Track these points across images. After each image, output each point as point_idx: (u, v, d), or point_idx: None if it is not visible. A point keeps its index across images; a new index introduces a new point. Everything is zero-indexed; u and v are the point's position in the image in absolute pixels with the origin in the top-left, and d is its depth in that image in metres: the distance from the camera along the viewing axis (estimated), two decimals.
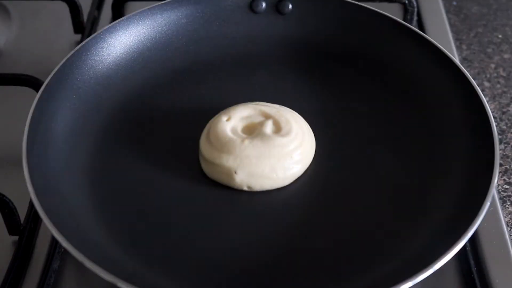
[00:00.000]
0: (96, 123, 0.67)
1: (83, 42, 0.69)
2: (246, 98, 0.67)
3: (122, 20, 0.72)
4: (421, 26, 0.83)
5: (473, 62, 0.82)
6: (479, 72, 0.80)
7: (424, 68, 0.69)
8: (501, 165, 0.69)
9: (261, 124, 0.64)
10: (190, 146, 0.65)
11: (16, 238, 0.60)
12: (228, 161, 0.61)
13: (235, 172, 0.61)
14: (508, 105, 0.76)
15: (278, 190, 0.62)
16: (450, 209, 0.58)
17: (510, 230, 0.63)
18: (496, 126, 0.61)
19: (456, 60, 0.67)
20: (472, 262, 0.59)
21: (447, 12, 0.88)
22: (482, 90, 0.76)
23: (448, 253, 0.52)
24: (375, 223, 0.59)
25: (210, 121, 0.66)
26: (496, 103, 0.76)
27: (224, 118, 0.64)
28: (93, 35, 0.70)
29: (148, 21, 0.73)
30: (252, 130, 0.64)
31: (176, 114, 0.69)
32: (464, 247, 0.60)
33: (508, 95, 0.77)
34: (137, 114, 0.69)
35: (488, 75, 0.80)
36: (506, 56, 0.82)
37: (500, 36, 0.85)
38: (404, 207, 0.60)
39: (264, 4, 0.76)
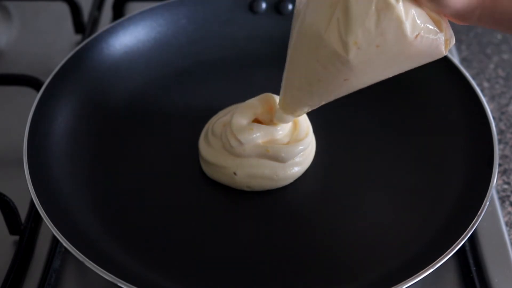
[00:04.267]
0: (96, 123, 0.67)
1: (84, 43, 0.69)
2: (246, 98, 0.67)
3: (123, 21, 0.72)
4: None
5: (472, 62, 0.82)
6: (478, 73, 0.80)
7: (423, 69, 0.69)
8: (500, 165, 0.69)
9: None
10: (190, 146, 0.65)
11: (17, 237, 0.61)
12: (227, 162, 0.61)
13: (235, 173, 0.61)
14: (507, 105, 0.76)
15: (278, 190, 0.62)
16: (449, 209, 0.58)
17: (509, 230, 0.63)
18: (495, 126, 0.61)
19: (456, 61, 0.67)
20: (471, 261, 0.59)
21: None
22: (482, 91, 0.76)
23: (448, 252, 0.52)
24: (375, 223, 0.60)
25: (209, 121, 0.66)
26: (495, 103, 0.77)
27: (223, 118, 0.64)
28: (93, 36, 0.70)
29: (148, 22, 0.73)
30: None
31: (176, 114, 0.69)
32: (463, 246, 0.60)
33: (507, 95, 0.78)
34: (137, 114, 0.69)
35: (487, 76, 0.80)
36: (505, 56, 0.83)
37: (499, 36, 0.86)
38: (403, 207, 0.60)
39: (264, 4, 0.76)
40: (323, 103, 0.56)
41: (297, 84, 0.55)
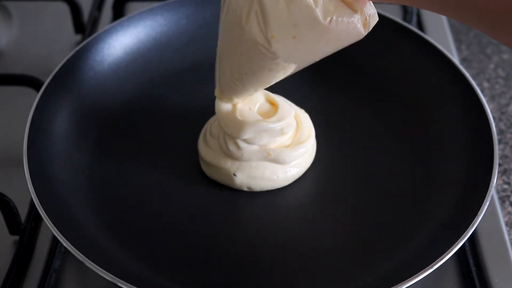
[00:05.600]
0: (96, 123, 0.67)
1: (84, 43, 0.69)
2: None
3: (123, 21, 0.72)
4: (420, 26, 0.83)
5: (472, 62, 0.82)
6: (478, 73, 0.80)
7: (424, 69, 0.69)
8: (500, 165, 0.69)
9: None
10: (190, 146, 0.65)
11: (17, 237, 0.61)
12: (227, 164, 0.61)
13: (234, 174, 0.61)
14: (507, 105, 0.76)
15: (278, 190, 0.62)
16: (449, 209, 0.58)
17: (509, 230, 0.63)
18: (495, 126, 0.61)
19: (456, 61, 0.67)
20: (471, 261, 0.59)
21: None
22: (481, 91, 0.76)
23: (448, 252, 0.52)
24: (375, 223, 0.60)
25: (208, 122, 0.66)
26: (495, 103, 0.77)
27: None
28: (93, 36, 0.70)
29: (148, 22, 0.73)
30: None
31: (176, 114, 0.69)
32: (463, 246, 0.60)
33: (507, 95, 0.78)
34: (137, 114, 0.69)
35: (487, 76, 0.80)
36: (505, 56, 0.83)
37: None
38: (404, 207, 0.60)
39: None
40: (259, 90, 0.57)
41: (228, 74, 0.56)
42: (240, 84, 0.56)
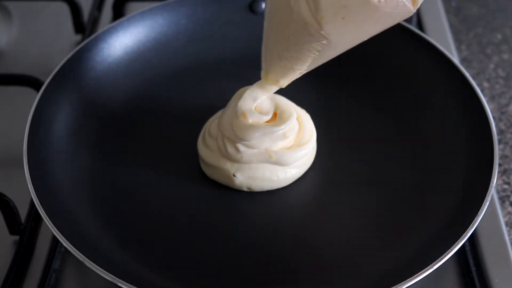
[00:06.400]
0: (96, 123, 0.67)
1: (84, 43, 0.69)
2: None
3: (123, 21, 0.72)
4: (420, 26, 0.83)
5: (472, 62, 0.82)
6: (478, 73, 0.80)
7: (424, 69, 0.69)
8: (500, 165, 0.69)
9: None
10: (190, 146, 0.65)
11: (17, 238, 0.61)
12: (226, 165, 0.61)
13: (234, 175, 0.61)
14: (507, 105, 0.76)
15: (278, 190, 0.62)
16: (449, 209, 0.58)
17: (509, 230, 0.63)
18: (495, 126, 0.61)
19: (456, 61, 0.67)
20: (471, 261, 0.59)
21: (447, 12, 0.88)
22: (481, 91, 0.76)
23: (448, 252, 0.52)
24: (374, 223, 0.60)
25: (207, 122, 0.65)
26: (495, 103, 0.77)
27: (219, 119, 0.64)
28: (93, 36, 0.70)
29: (148, 22, 0.73)
30: None
31: (176, 114, 0.69)
32: (463, 246, 0.60)
33: (507, 95, 0.78)
34: (137, 114, 0.69)
35: (487, 76, 0.80)
36: (505, 56, 0.83)
37: (499, 36, 0.86)
38: (403, 207, 0.60)
39: (264, 4, 0.76)
40: (304, 72, 0.57)
41: (275, 56, 0.56)
42: (288, 65, 0.56)
